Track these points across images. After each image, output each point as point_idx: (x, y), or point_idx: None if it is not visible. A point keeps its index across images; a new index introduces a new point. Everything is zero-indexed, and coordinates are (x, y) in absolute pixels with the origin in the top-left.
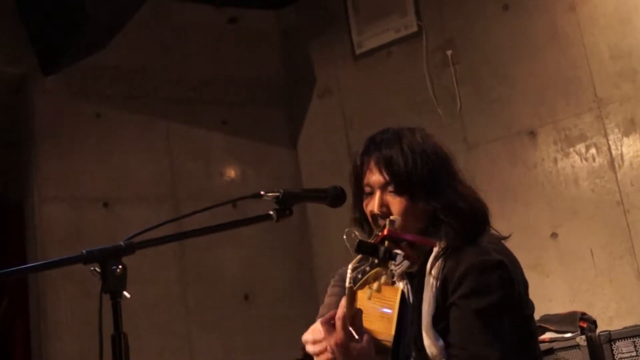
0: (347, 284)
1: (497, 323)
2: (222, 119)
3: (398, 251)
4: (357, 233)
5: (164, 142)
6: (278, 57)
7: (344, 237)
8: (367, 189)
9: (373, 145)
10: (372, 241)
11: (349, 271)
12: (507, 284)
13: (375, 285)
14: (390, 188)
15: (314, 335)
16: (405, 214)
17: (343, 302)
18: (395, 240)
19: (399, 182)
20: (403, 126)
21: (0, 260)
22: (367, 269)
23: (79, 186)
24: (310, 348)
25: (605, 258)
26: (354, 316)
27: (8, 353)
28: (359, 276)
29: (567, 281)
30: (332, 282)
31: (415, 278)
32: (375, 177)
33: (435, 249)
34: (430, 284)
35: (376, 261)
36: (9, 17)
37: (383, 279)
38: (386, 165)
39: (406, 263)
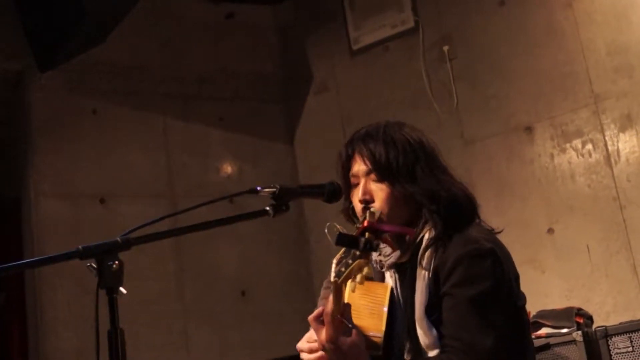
0: (331, 278)
1: (490, 311)
2: (219, 114)
3: (380, 243)
4: (338, 226)
5: (161, 138)
6: (275, 53)
7: (326, 230)
8: (354, 180)
9: (357, 137)
10: (353, 233)
11: (333, 265)
12: (498, 272)
13: (358, 278)
14: (372, 176)
15: (309, 344)
16: (387, 200)
17: (331, 297)
18: (375, 231)
19: (379, 169)
20: (392, 120)
21: None
22: (350, 261)
23: (76, 182)
24: (305, 357)
25: (601, 253)
26: (343, 311)
27: (5, 349)
28: (342, 269)
29: (564, 277)
30: (325, 284)
31: (407, 270)
32: (358, 166)
33: (425, 239)
34: (422, 274)
35: (357, 253)
36: (6, 13)
37: (365, 270)
38: (368, 154)
39: (396, 254)
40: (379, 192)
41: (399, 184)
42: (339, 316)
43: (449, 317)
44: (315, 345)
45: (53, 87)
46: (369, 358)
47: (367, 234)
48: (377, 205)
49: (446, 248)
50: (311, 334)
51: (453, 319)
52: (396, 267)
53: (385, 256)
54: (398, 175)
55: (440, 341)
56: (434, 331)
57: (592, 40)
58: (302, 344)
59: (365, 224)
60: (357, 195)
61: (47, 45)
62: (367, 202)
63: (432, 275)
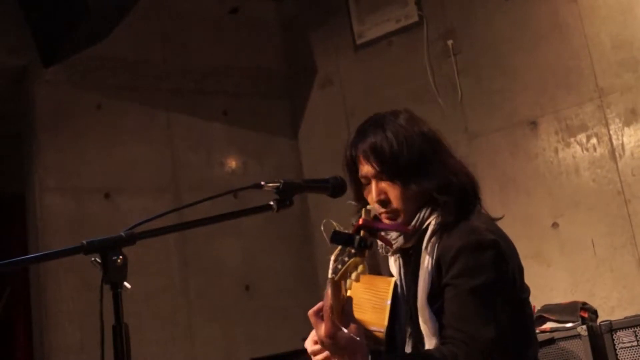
0: (329, 275)
1: (491, 302)
2: (223, 109)
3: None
4: (334, 223)
5: (165, 133)
6: (279, 48)
7: (322, 227)
8: (364, 180)
9: (359, 136)
10: (349, 231)
11: (331, 262)
12: (500, 264)
13: (353, 275)
14: (383, 176)
15: (313, 347)
16: (402, 198)
17: (329, 293)
18: (370, 229)
19: (388, 170)
20: (387, 110)
21: (2, 251)
22: (346, 259)
23: (80, 177)
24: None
25: (606, 248)
26: (344, 305)
27: (9, 343)
28: (339, 266)
29: (568, 271)
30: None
31: (412, 255)
32: (366, 168)
33: (432, 225)
34: (426, 261)
35: (353, 251)
36: (10, 8)
37: (360, 268)
38: (374, 155)
39: (402, 239)
40: (393, 191)
41: (411, 181)
42: (338, 311)
43: (450, 307)
44: (318, 348)
45: (57, 82)
46: (368, 353)
47: (362, 232)
48: (394, 203)
49: (451, 236)
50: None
51: (454, 310)
52: (401, 252)
53: (391, 240)
54: (407, 172)
55: (442, 332)
56: (435, 320)
57: (596, 34)
58: (309, 344)
59: (360, 221)
60: (371, 195)
61: (51, 40)
62: (383, 202)
63: (435, 263)
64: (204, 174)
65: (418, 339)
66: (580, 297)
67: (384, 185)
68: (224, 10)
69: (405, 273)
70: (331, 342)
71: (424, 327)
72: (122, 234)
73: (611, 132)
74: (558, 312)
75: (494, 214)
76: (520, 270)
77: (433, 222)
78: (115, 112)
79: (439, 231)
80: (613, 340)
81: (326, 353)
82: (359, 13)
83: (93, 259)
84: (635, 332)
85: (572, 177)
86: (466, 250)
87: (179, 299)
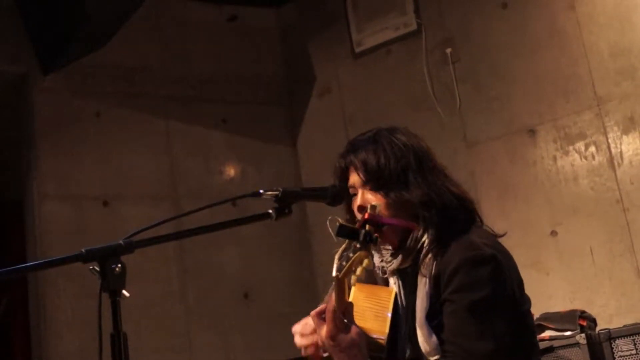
0: (333, 274)
1: (489, 317)
2: (222, 117)
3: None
4: (340, 220)
5: (164, 140)
6: (278, 55)
7: (327, 223)
8: (352, 190)
9: (349, 149)
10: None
11: (335, 260)
12: (498, 278)
13: (358, 270)
14: (368, 186)
15: (302, 328)
16: (384, 209)
17: (333, 294)
18: (375, 223)
19: (372, 180)
20: (385, 125)
21: (0, 259)
22: (351, 254)
23: (79, 184)
24: (297, 340)
25: (605, 256)
26: (345, 309)
27: (8, 351)
28: (344, 263)
29: (567, 279)
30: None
31: (409, 275)
32: (354, 178)
33: (425, 245)
34: (423, 280)
35: (358, 245)
36: (9, 16)
37: (365, 262)
38: (361, 165)
39: (398, 260)
40: (376, 202)
41: (392, 192)
42: (340, 312)
43: (448, 323)
44: (308, 330)
45: (56, 89)
46: (368, 358)
47: (367, 227)
48: None
49: (446, 253)
50: (307, 320)
51: (452, 325)
52: (399, 272)
53: (387, 262)
54: (390, 183)
55: (441, 347)
56: (434, 337)
57: (594, 42)
58: (296, 327)
59: (366, 215)
60: (355, 205)
61: (50, 48)
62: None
63: (432, 281)
64: (203, 182)
65: (418, 357)
66: (579, 305)
67: (369, 195)
68: (223, 18)
69: (404, 293)
70: (332, 344)
71: (423, 345)
72: (121, 242)
73: (609, 141)
74: (557, 320)
75: (492, 221)
76: (519, 283)
77: (427, 241)
78: (114, 120)
79: (433, 249)
80: (612, 348)
81: (311, 339)
82: (358, 21)
83: (92, 267)
84: (634, 340)
85: (570, 185)
86: (464, 266)
87: (178, 306)
